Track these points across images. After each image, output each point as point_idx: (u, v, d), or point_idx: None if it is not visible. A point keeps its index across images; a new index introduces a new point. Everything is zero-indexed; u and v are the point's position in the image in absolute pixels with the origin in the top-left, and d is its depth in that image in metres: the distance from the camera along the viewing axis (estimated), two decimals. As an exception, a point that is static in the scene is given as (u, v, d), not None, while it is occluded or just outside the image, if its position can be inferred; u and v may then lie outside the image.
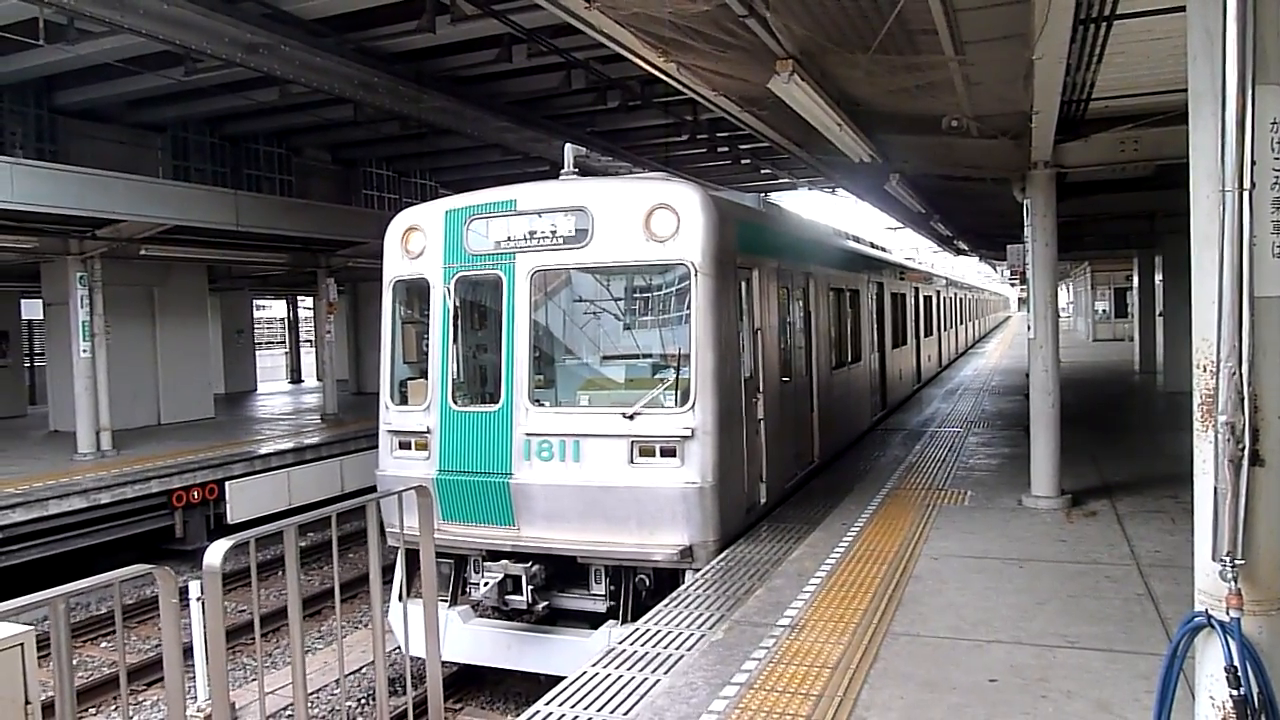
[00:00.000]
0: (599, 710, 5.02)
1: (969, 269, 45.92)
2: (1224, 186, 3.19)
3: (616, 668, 5.61)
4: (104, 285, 14.89)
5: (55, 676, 2.24)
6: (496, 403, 8.21)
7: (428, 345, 8.63)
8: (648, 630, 6.26)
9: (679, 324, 8.00)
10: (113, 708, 9.45)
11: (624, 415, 7.74)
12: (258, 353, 32.21)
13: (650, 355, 8.40)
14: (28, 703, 2.03)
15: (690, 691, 5.16)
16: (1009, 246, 14.46)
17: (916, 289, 21.80)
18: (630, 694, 5.20)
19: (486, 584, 7.81)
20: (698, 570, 7.48)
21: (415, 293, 8.98)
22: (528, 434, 8.01)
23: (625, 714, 4.94)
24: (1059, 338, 9.55)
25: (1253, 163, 3.17)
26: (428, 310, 8.67)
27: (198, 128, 19.07)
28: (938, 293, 26.27)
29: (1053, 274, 9.29)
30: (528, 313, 8.16)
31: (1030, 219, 9.20)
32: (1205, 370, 3.33)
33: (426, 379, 8.62)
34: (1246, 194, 3.15)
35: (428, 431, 8.46)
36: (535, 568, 7.78)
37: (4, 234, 13.47)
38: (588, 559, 7.80)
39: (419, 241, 8.64)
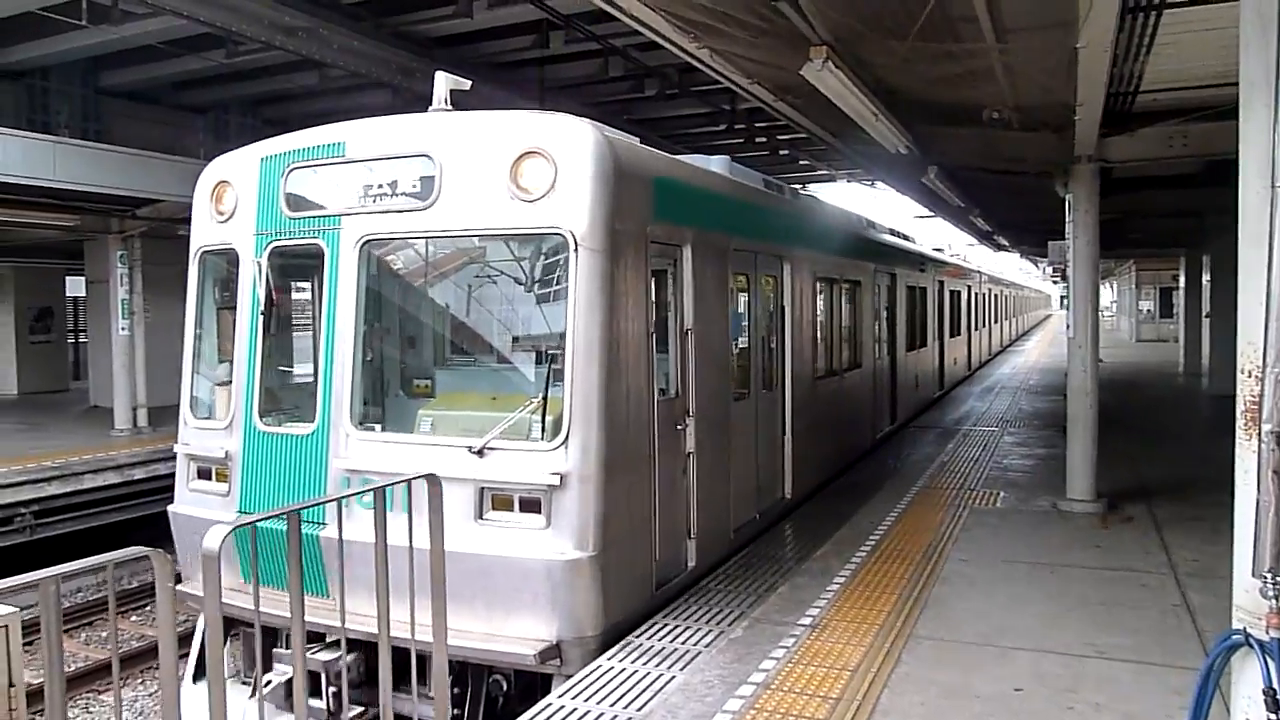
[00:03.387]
0: (611, 705, 4.94)
1: (1008, 264, 44.59)
2: (1275, 182, 3.02)
3: (632, 662, 5.53)
4: (144, 264, 15.09)
5: (45, 662, 2.20)
6: (311, 423, 6.16)
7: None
8: (665, 625, 6.18)
9: (553, 321, 5.93)
10: (102, 696, 9.26)
11: (470, 451, 5.63)
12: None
13: (514, 365, 6.52)
14: (11, 685, 1.99)
15: (705, 689, 5.07)
16: (1051, 243, 14.07)
17: (941, 283, 19.64)
18: (645, 689, 5.12)
19: (269, 683, 5.69)
20: (570, 676, 5.43)
21: (226, 268, 6.94)
22: (347, 470, 5.93)
23: (639, 710, 4.86)
24: (1099, 338, 9.29)
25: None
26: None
27: (239, 110, 19.22)
28: (969, 288, 24.35)
29: (1094, 272, 9.04)
30: (354, 299, 6.09)
31: (1072, 214, 8.96)
32: (1250, 375, 3.17)
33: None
34: (1299, 191, 2.98)
35: (227, 457, 6.44)
36: (350, 658, 5.22)
37: (48, 212, 13.68)
38: (422, 650, 4.54)
39: (230, 199, 6.60)
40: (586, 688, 5.17)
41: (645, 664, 5.49)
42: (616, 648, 5.76)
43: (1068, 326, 9.19)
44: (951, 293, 21.16)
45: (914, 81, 6.78)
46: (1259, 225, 3.13)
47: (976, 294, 26.01)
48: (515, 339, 6.67)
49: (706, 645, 5.75)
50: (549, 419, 5.70)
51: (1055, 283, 63.52)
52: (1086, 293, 8.95)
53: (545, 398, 5.71)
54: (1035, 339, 47.14)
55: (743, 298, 8.24)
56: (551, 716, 4.82)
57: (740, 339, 8.18)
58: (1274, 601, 3.06)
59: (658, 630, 6.06)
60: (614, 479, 5.62)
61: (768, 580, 7.11)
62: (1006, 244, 25.42)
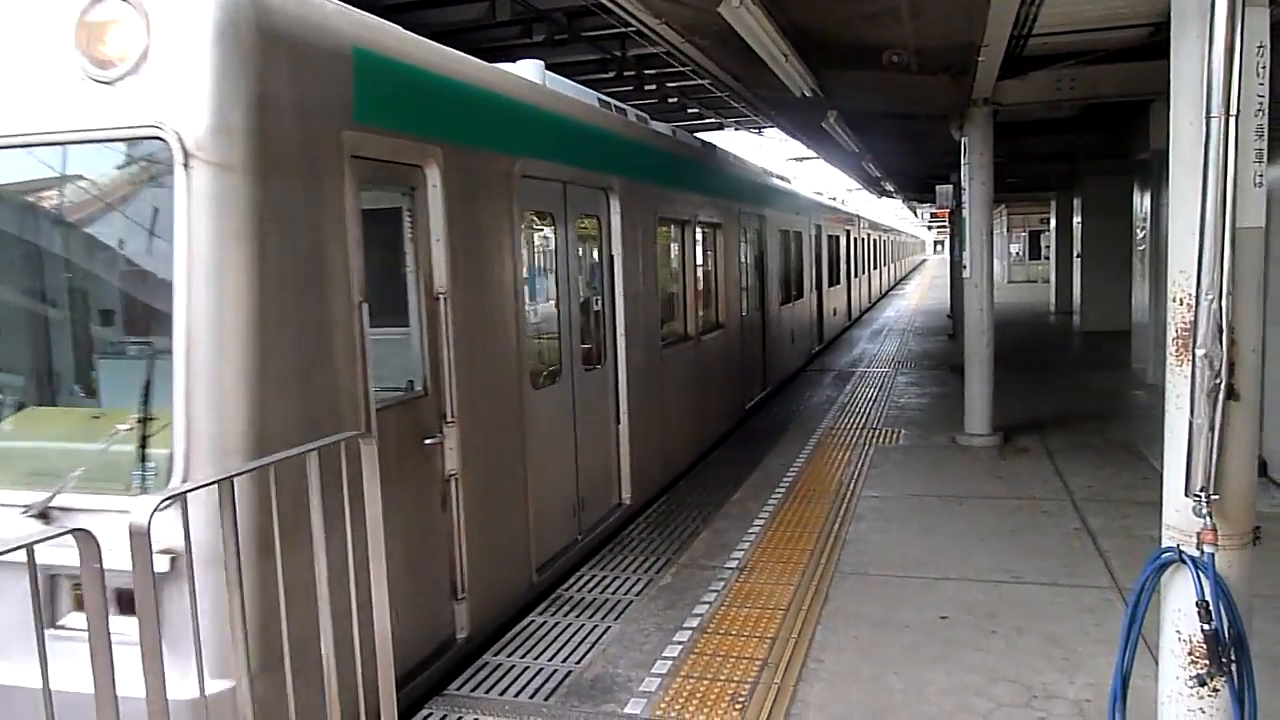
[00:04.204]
0: (550, 660, 4.86)
1: (884, 210, 44.84)
2: (1209, 113, 3.08)
3: (564, 615, 5.46)
4: None
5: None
6: None
7: None
8: (592, 576, 6.12)
9: (153, 289, 3.66)
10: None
11: (27, 514, 3.39)
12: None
13: (115, 366, 3.93)
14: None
15: (642, 638, 5.04)
16: (938, 187, 14.54)
17: (819, 228, 18.13)
18: (580, 642, 5.06)
19: None
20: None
21: None
22: None
23: (578, 663, 4.79)
24: (994, 277, 9.58)
25: (1238, 89, 3.06)
26: None
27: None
28: (847, 232, 23.25)
29: (989, 212, 9.31)
30: None
31: (968, 157, 9.17)
32: (1181, 304, 3.25)
33: None
34: (1232, 120, 3.04)
35: None
36: None
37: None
38: None
39: None
40: (520, 644, 5.08)
41: (578, 617, 5.43)
42: (546, 602, 5.68)
43: (964, 267, 9.44)
44: (830, 238, 19.98)
45: (824, 20, 6.74)
46: (1193, 152, 3.18)
47: (856, 239, 25.42)
48: (107, 320, 4.07)
49: (637, 594, 5.73)
50: (152, 452, 3.48)
51: (930, 228, 65.89)
52: (982, 233, 9.21)
53: (144, 417, 3.51)
54: (913, 284, 48.77)
55: (545, 246, 6.46)
56: (489, 676, 4.71)
57: (542, 303, 6.39)
58: (1207, 519, 3.18)
59: (585, 583, 6.01)
60: (285, 549, 3.33)
61: (689, 526, 7.14)
62: (892, 190, 26.04)
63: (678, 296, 9.19)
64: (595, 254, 7.20)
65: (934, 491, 7.80)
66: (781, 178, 15.66)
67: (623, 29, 14.80)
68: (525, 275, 5.74)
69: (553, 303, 6.44)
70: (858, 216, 25.99)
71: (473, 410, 4.90)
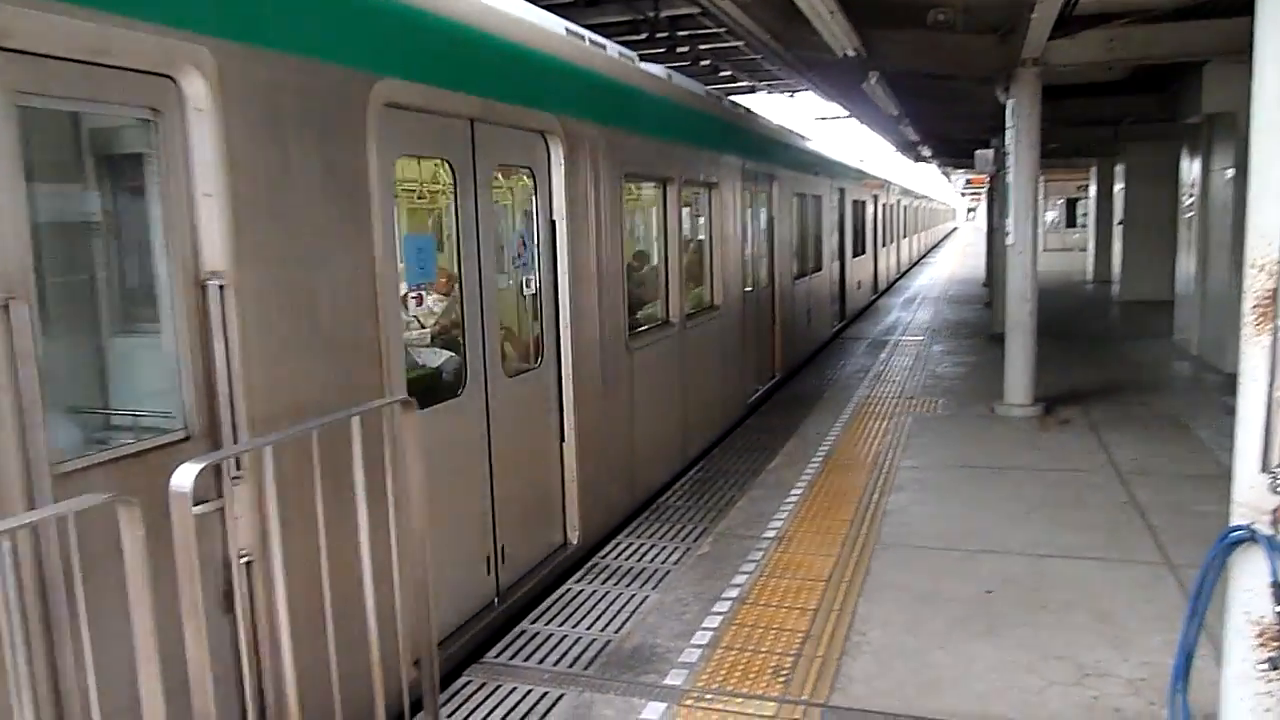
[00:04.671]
0: (588, 629, 4.81)
1: (914, 175, 42.41)
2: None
3: (602, 583, 5.41)
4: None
5: (4, 628, 1.89)
6: None
7: None
8: (629, 544, 6.06)
9: None
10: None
11: None
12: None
13: None
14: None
15: (681, 607, 4.97)
16: (978, 152, 14.19)
17: (841, 192, 16.30)
18: (619, 611, 5.01)
19: None
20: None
21: None
22: None
23: (617, 632, 4.74)
24: (1039, 244, 9.34)
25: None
26: None
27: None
28: (875, 197, 21.36)
29: (1035, 177, 9.04)
30: None
31: (1014, 120, 8.90)
32: (1262, 270, 3.08)
33: None
34: (1325, 76, 2.86)
35: None
36: None
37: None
38: None
39: None
40: (558, 612, 5.03)
41: (615, 585, 5.38)
42: (583, 569, 5.63)
43: (1008, 233, 9.21)
44: (855, 203, 18.32)
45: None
46: (1276, 113, 3.01)
47: (885, 205, 23.89)
48: None
49: (675, 563, 5.66)
50: None
51: (964, 194, 64.81)
52: (1028, 199, 8.96)
53: None
54: (946, 251, 48.14)
55: (436, 206, 5.30)
56: (527, 644, 4.67)
57: (432, 287, 5.41)
58: (1284, 496, 3.04)
59: (623, 550, 5.95)
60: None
61: (725, 494, 7.05)
62: (928, 155, 25.57)
63: (652, 274, 7.95)
64: (526, 220, 5.73)
65: (974, 462, 7.66)
66: (800, 135, 13.75)
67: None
68: (398, 251, 4.34)
69: (456, 284, 4.93)
70: (886, 181, 24.37)
71: (284, 456, 3.08)
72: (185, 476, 2.40)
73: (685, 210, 8.24)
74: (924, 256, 42.45)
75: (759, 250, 10.80)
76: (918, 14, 7.75)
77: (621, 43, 22.23)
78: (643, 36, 19.27)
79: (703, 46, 21.19)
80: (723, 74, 25.06)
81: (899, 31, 8.25)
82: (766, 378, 11.16)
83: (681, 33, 19.43)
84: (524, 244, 5.63)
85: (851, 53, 7.97)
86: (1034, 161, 8.93)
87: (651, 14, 17.87)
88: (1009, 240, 9.17)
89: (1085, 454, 7.77)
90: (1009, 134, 9.00)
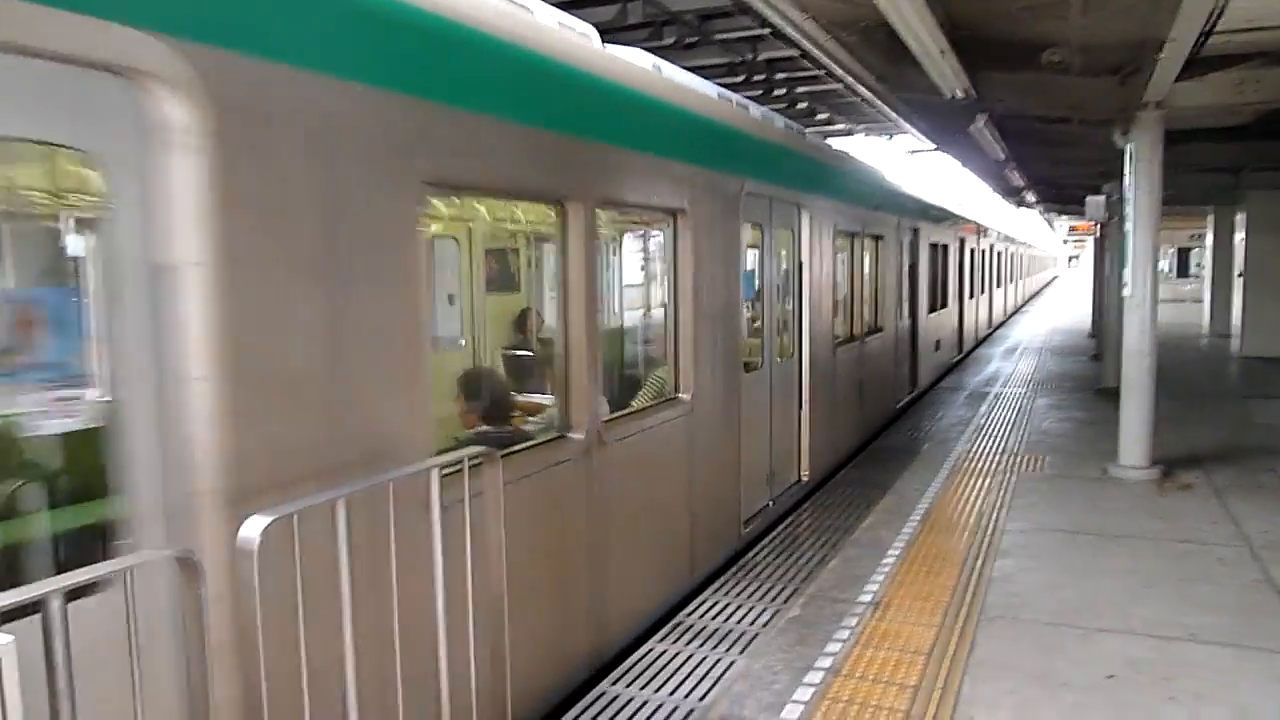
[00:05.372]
0: (670, 694, 4.55)
1: (1014, 220, 39.27)
2: None
3: (685, 644, 5.14)
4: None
5: (49, 698, 1.78)
6: None
7: None
8: (714, 603, 5.78)
9: None
10: None
11: None
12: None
13: None
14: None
15: (770, 676, 4.67)
16: (1089, 198, 13.57)
17: (961, 240, 15.75)
18: (703, 676, 4.73)
19: None
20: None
21: None
22: None
23: (700, 700, 4.46)
24: (1158, 296, 8.79)
25: None
26: None
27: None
28: (991, 246, 20.56)
29: (1156, 227, 8.53)
30: None
31: (1134, 165, 8.43)
32: None
33: None
34: None
35: None
36: None
37: None
38: None
39: None
40: (639, 674, 4.78)
41: (700, 647, 5.10)
42: (666, 628, 5.38)
43: (1124, 284, 8.70)
44: (970, 251, 17.55)
45: (985, 12, 6.23)
46: None
47: (995, 252, 22.66)
48: None
49: (764, 626, 5.36)
50: None
51: (1066, 241, 62.80)
52: (1148, 249, 8.45)
53: None
54: (1046, 300, 46.57)
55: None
56: (606, 707, 4.43)
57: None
58: None
59: (708, 609, 5.67)
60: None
61: (816, 553, 6.72)
62: (1032, 201, 24.79)
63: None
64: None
65: (1087, 529, 7.15)
66: (929, 194, 13.98)
67: (757, 30, 14.47)
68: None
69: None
70: (980, 224, 22.66)
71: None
72: (254, 529, 2.28)
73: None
74: (1026, 303, 41.11)
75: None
76: (1031, 55, 7.39)
77: (719, 85, 21.96)
78: (740, 79, 19.25)
79: (800, 89, 21.08)
80: (819, 116, 24.90)
81: (1011, 73, 7.90)
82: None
83: (779, 75, 19.36)
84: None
85: (960, 94, 7.67)
86: (1155, 209, 8.44)
87: (750, 56, 17.84)
88: (1126, 292, 8.65)
89: (1210, 524, 7.18)
90: (1127, 180, 8.53)
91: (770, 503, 7.65)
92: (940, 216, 16.29)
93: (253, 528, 2.27)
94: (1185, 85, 8.09)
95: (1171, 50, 6.11)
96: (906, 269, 13.26)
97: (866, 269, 11.01)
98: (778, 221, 7.77)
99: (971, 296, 20.83)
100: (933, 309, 15.68)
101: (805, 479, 8.48)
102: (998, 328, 28.09)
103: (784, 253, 8.22)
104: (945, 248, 16.82)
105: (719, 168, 6.43)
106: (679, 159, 5.82)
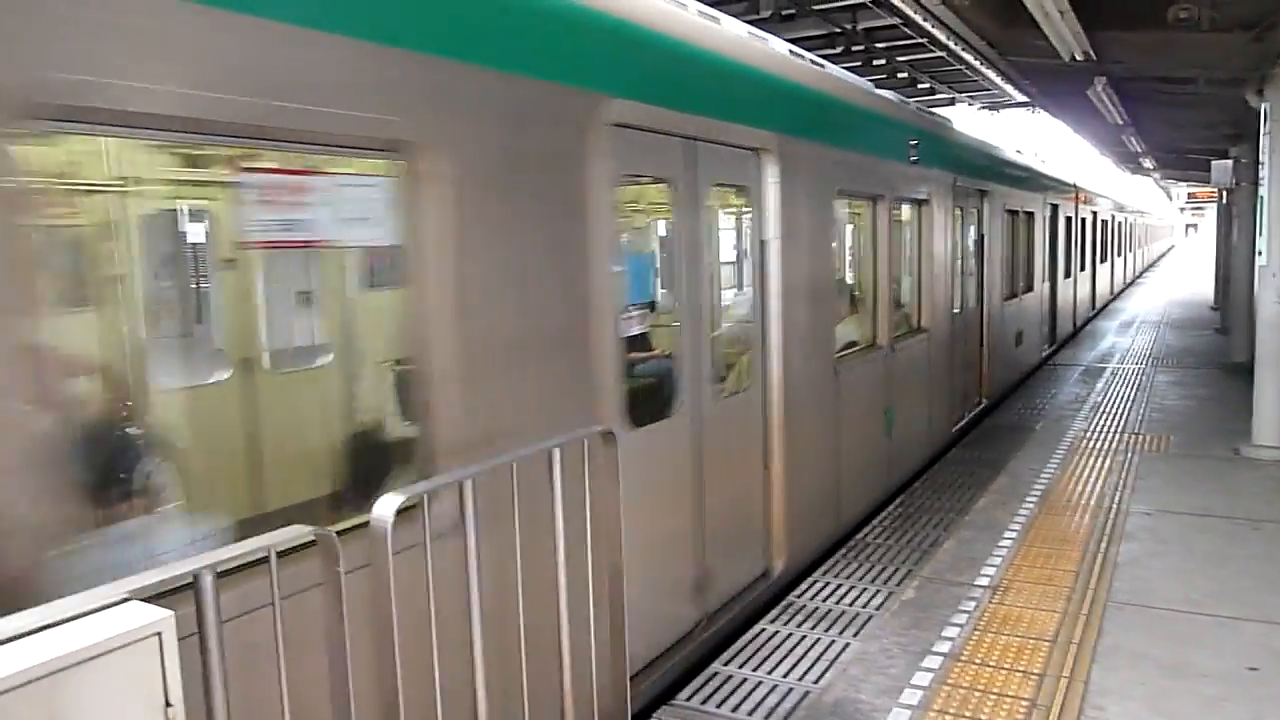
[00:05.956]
0: (784, 675, 4.50)
1: (1127, 187, 36.54)
2: None
3: (798, 626, 5.08)
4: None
5: (203, 671, 1.86)
6: None
7: None
8: (825, 583, 5.70)
9: None
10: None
11: None
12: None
13: None
14: (169, 704, 1.62)
15: (886, 660, 4.58)
16: (1214, 163, 12.84)
17: (1054, 207, 14.50)
18: (817, 658, 4.67)
19: None
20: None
21: None
22: None
23: (815, 682, 4.40)
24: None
25: None
26: None
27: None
28: (1094, 214, 19.03)
29: (1295, 191, 7.99)
30: None
31: (1269, 126, 7.91)
32: None
33: None
34: None
35: None
36: None
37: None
38: None
39: None
40: (751, 655, 4.75)
41: (813, 629, 5.03)
42: (778, 609, 5.33)
43: (1259, 253, 8.19)
44: (1068, 220, 16.38)
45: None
46: None
47: (1102, 221, 21.62)
48: None
49: (877, 608, 5.26)
50: None
51: (1183, 209, 59.61)
52: (1284, 214, 7.94)
53: None
54: (1163, 270, 44.44)
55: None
56: (720, 687, 4.41)
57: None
58: None
59: (819, 590, 5.59)
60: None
61: (929, 534, 6.56)
62: (1150, 167, 23.60)
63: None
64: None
65: (1219, 511, 6.79)
66: (1013, 150, 12.81)
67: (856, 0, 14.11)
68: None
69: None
70: (1099, 195, 22.12)
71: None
72: (387, 508, 2.32)
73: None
74: (1141, 275, 39.31)
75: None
76: (1156, 12, 6.99)
77: (819, 57, 21.62)
78: (839, 50, 18.81)
79: (900, 59, 20.49)
80: (921, 86, 24.18)
81: (1133, 32, 7.50)
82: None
83: (879, 45, 18.84)
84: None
85: (1080, 56, 7.31)
86: (1293, 172, 7.91)
87: (849, 26, 17.41)
88: (1261, 261, 8.15)
89: (1357, 508, 6.75)
90: (1263, 141, 8.01)
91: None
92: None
93: (385, 507, 2.31)
94: (1328, 38, 7.55)
95: (1318, 0, 5.69)
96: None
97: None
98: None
99: (1100, 263, 22.02)
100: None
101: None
102: (1116, 297, 26.95)
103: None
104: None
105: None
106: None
